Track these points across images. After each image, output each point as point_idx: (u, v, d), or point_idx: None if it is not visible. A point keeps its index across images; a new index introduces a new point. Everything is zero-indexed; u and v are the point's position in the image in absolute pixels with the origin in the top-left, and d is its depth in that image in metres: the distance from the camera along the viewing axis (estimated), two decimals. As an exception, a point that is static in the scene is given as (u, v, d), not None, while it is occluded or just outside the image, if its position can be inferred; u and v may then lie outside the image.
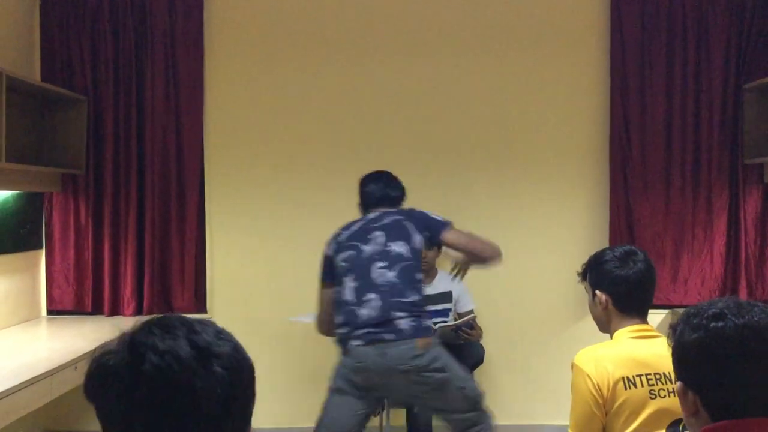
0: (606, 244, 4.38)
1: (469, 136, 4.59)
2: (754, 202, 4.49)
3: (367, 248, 3.18)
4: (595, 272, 2.37)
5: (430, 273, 4.23)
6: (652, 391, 2.13)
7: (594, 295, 2.36)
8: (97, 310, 4.49)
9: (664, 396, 2.13)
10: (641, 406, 2.13)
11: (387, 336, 3.03)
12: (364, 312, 3.08)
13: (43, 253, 4.51)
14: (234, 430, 1.07)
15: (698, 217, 4.50)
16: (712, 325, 1.40)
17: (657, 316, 4.43)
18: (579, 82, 4.59)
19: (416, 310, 3.12)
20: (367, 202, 3.41)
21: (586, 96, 4.58)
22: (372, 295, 3.09)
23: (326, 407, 3.20)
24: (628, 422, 2.14)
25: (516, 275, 4.54)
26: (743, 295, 4.40)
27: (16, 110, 3.97)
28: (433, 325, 3.34)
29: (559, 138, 4.59)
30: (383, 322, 3.05)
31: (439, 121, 4.60)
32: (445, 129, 4.60)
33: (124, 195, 4.47)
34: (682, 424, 2.09)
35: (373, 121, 4.60)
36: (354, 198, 4.55)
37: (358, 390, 3.13)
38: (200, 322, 1.08)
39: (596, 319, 2.41)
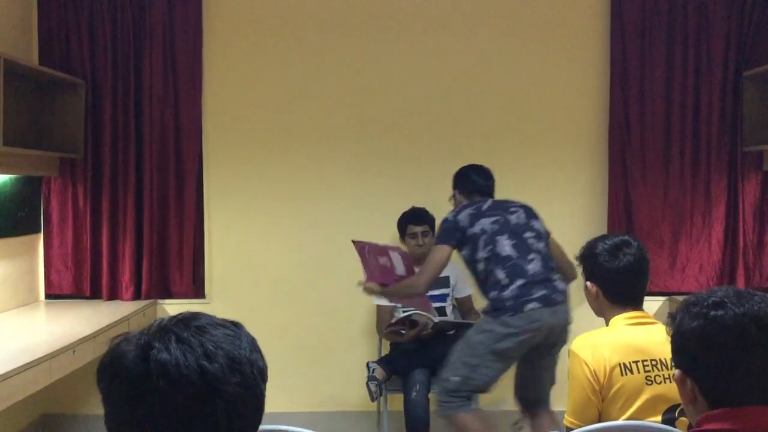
0: (604, 231, 4.39)
1: (468, 122, 4.58)
2: (752, 190, 4.48)
3: (513, 218, 3.45)
4: (587, 263, 2.38)
5: (425, 258, 4.23)
6: (649, 378, 2.14)
7: (586, 284, 2.39)
8: (95, 294, 4.49)
9: (660, 382, 2.14)
10: (637, 392, 2.14)
11: (557, 297, 3.30)
12: (531, 267, 3.31)
13: (41, 237, 4.50)
14: None
15: (697, 204, 4.50)
16: (712, 313, 1.41)
17: (654, 303, 4.45)
18: (579, 69, 4.57)
19: (561, 277, 3.41)
20: (473, 190, 3.69)
21: (586, 83, 4.57)
22: (533, 255, 3.36)
23: (476, 367, 3.31)
24: (624, 408, 2.15)
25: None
26: (741, 282, 4.41)
27: (13, 94, 3.95)
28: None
29: (558, 125, 4.58)
30: (546, 279, 3.31)
31: (437, 107, 4.59)
32: (443, 115, 4.59)
33: (122, 179, 4.46)
34: (678, 410, 2.11)
35: (371, 106, 4.59)
36: (352, 182, 4.58)
37: (521, 350, 3.31)
38: (217, 344, 1.06)
39: (591, 305, 2.44)
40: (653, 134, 4.47)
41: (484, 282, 3.40)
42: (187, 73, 4.46)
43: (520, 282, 3.27)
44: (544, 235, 3.50)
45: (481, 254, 3.38)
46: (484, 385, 3.37)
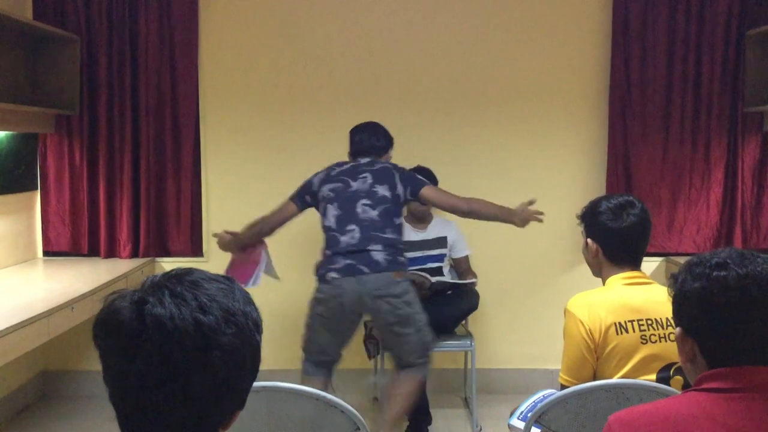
0: (603, 191, 4.39)
1: (466, 81, 4.54)
2: (752, 151, 4.47)
3: (355, 185, 3.49)
4: (589, 221, 2.39)
5: (426, 219, 4.24)
6: (644, 337, 2.15)
7: (587, 242, 2.39)
8: (93, 252, 4.50)
9: (656, 341, 2.15)
10: (632, 351, 2.16)
11: (363, 268, 3.33)
12: (345, 239, 3.40)
13: (38, 194, 4.49)
14: (224, 407, 1.08)
15: (696, 164, 4.49)
16: (714, 274, 1.41)
17: (651, 264, 4.47)
18: (580, 26, 4.52)
19: (392, 247, 3.43)
20: (355, 150, 3.68)
21: (587, 41, 4.52)
22: (353, 227, 3.41)
23: (310, 330, 3.51)
24: (619, 366, 2.17)
25: (512, 221, 4.55)
26: (738, 243, 4.42)
27: (7, 49, 3.91)
28: (405, 261, 3.58)
29: (558, 83, 4.54)
30: (360, 251, 3.36)
31: (435, 67, 4.54)
32: (441, 75, 4.54)
33: (118, 137, 4.43)
34: (672, 369, 2.13)
35: (369, 67, 4.54)
36: (347, 142, 4.55)
37: (332, 316, 3.42)
38: (211, 296, 1.06)
39: (589, 264, 2.45)
40: (654, 94, 4.43)
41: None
42: (183, 28, 4.40)
43: (328, 253, 3.44)
44: (390, 197, 3.48)
45: (320, 218, 3.55)
46: (316, 347, 3.50)
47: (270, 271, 3.87)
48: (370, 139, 3.67)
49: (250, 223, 3.76)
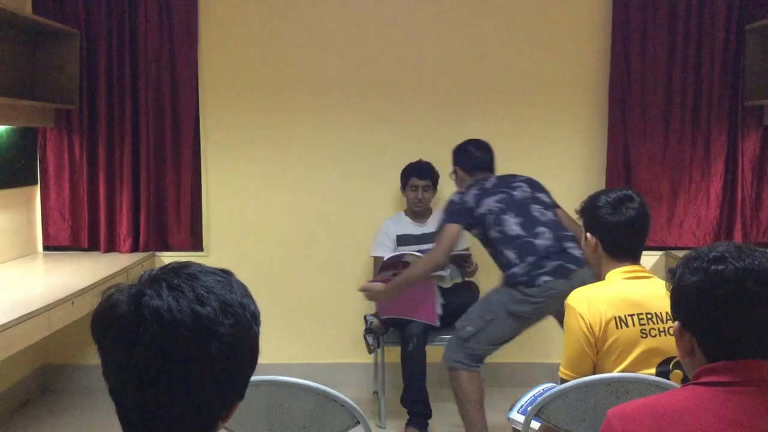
0: (603, 185, 4.39)
1: (466, 76, 4.53)
2: (752, 145, 4.46)
3: (518, 194, 3.50)
4: (588, 215, 2.39)
5: (425, 213, 4.25)
6: (644, 331, 2.16)
7: (586, 236, 2.40)
8: (93, 246, 4.50)
9: (655, 335, 2.16)
10: (632, 345, 2.16)
11: (571, 266, 3.29)
12: (540, 242, 3.35)
13: (38, 188, 4.49)
14: (223, 399, 1.08)
15: (696, 158, 4.48)
16: (713, 267, 1.42)
17: (651, 258, 4.47)
18: (580, 21, 4.51)
19: (577, 243, 3.35)
20: (474, 166, 3.75)
21: (587, 35, 4.51)
22: (542, 229, 3.38)
23: (492, 325, 3.39)
24: (618, 360, 2.18)
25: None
26: (738, 237, 4.42)
27: (7, 44, 3.90)
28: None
29: (558, 77, 4.53)
30: (559, 250, 3.33)
31: (438, 59, 4.53)
32: (444, 67, 4.54)
33: (118, 131, 4.42)
34: (672, 362, 2.13)
35: (372, 57, 4.53)
36: (350, 135, 4.55)
37: (534, 315, 3.39)
38: (209, 288, 1.06)
39: (588, 258, 2.45)
40: (654, 87, 4.43)
41: (498, 260, 3.49)
42: (182, 22, 4.40)
43: (531, 259, 3.33)
44: (551, 206, 3.54)
45: (492, 234, 3.45)
46: (494, 340, 3.43)
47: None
48: (486, 155, 3.78)
49: (437, 264, 3.61)
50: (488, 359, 4.49)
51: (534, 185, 3.58)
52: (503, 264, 3.43)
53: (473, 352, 3.43)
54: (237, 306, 1.08)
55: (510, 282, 3.38)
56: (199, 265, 1.11)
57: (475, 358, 3.44)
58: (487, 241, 3.54)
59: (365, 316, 4.10)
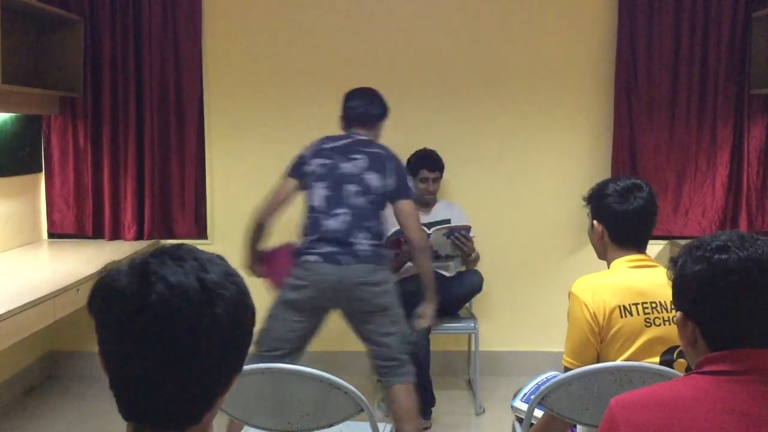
0: (608, 173, 4.38)
1: (472, 61, 4.52)
2: (758, 133, 4.44)
3: (347, 166, 3.23)
4: (595, 203, 2.38)
5: (431, 203, 4.23)
6: (648, 320, 2.16)
7: (592, 224, 2.39)
8: (97, 234, 4.51)
9: (660, 324, 2.15)
10: (636, 334, 2.16)
11: (345, 259, 3.11)
12: (331, 223, 3.16)
13: (42, 176, 4.50)
14: (226, 369, 1.08)
15: (702, 147, 4.47)
16: (716, 257, 1.41)
17: (656, 247, 4.46)
18: (586, 9, 4.48)
19: (377, 239, 3.21)
20: (348, 116, 3.41)
21: (593, 23, 4.49)
22: (342, 210, 3.17)
23: (271, 319, 3.20)
24: (622, 349, 2.18)
25: (516, 203, 4.55)
26: (743, 226, 4.41)
27: (12, 31, 3.90)
28: (392, 256, 3.44)
29: (564, 65, 4.51)
30: (346, 242, 3.13)
31: (441, 51, 4.52)
32: (447, 58, 4.52)
33: (122, 119, 4.43)
34: (676, 351, 2.13)
35: (374, 48, 4.52)
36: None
37: (304, 302, 3.17)
38: (210, 259, 1.08)
39: (594, 246, 2.45)
40: (660, 76, 4.41)
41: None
42: (186, 9, 4.39)
43: (313, 237, 3.18)
44: (377, 192, 3.22)
45: (306, 194, 3.29)
46: (273, 341, 3.18)
47: None
48: (366, 106, 3.39)
49: (257, 214, 3.45)
50: (490, 348, 4.51)
51: (376, 164, 3.24)
52: (300, 228, 3.28)
53: (267, 349, 3.17)
54: (236, 276, 1.10)
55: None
56: (195, 246, 1.12)
57: (270, 360, 2.94)
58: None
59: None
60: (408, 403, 3.24)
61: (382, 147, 3.35)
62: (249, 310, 1.11)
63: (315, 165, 3.26)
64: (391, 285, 3.25)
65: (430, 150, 4.20)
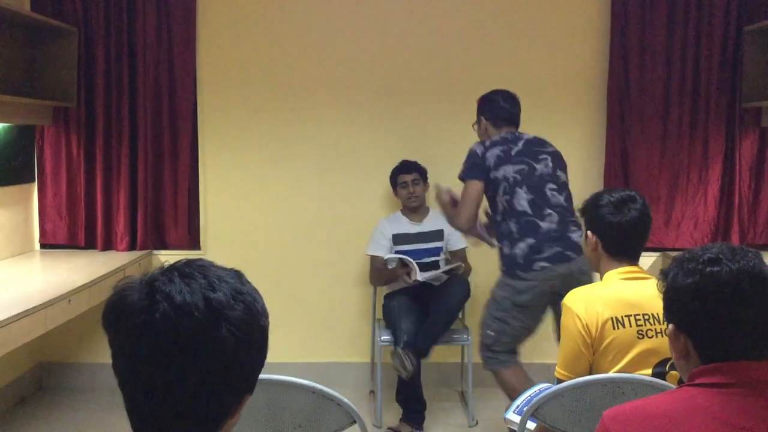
0: (601, 185, 4.39)
1: (466, 75, 4.52)
2: (750, 146, 4.46)
3: (540, 168, 3.42)
4: (590, 214, 2.39)
5: (421, 211, 4.24)
6: (640, 332, 2.16)
7: (586, 235, 2.40)
8: (90, 244, 4.49)
9: (652, 336, 2.16)
10: (629, 346, 2.16)
11: (570, 254, 3.30)
12: (545, 225, 3.33)
13: (35, 186, 4.48)
14: (232, 391, 1.08)
15: (694, 160, 4.48)
16: (708, 269, 1.42)
17: (649, 259, 4.46)
18: (578, 22, 4.51)
19: (581, 229, 3.31)
20: (501, 117, 3.59)
21: (586, 37, 4.51)
22: (549, 211, 3.35)
23: (503, 323, 3.39)
24: (615, 361, 2.18)
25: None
26: (735, 239, 4.42)
27: (5, 41, 3.90)
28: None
29: (557, 79, 4.53)
30: (560, 237, 3.32)
31: (434, 62, 4.53)
32: (441, 67, 4.53)
33: (116, 129, 4.42)
34: (668, 363, 2.13)
35: (368, 58, 4.53)
36: (347, 134, 4.55)
37: (541, 299, 3.35)
38: (221, 277, 1.08)
39: (587, 257, 2.45)
40: (652, 89, 4.43)
41: (498, 228, 3.46)
42: (181, 20, 4.39)
43: (530, 241, 3.32)
44: (565, 186, 3.46)
45: (500, 200, 3.41)
46: (518, 337, 3.43)
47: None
48: (515, 107, 3.62)
49: (462, 223, 3.53)
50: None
51: (558, 160, 3.49)
52: (504, 234, 3.40)
53: (504, 350, 3.43)
54: (247, 295, 1.09)
55: (508, 271, 3.38)
56: (211, 261, 1.13)
57: (508, 354, 3.44)
58: (495, 204, 3.46)
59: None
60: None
61: (551, 144, 3.57)
62: (259, 331, 1.09)
63: (507, 172, 3.39)
64: None
65: (407, 159, 4.26)
